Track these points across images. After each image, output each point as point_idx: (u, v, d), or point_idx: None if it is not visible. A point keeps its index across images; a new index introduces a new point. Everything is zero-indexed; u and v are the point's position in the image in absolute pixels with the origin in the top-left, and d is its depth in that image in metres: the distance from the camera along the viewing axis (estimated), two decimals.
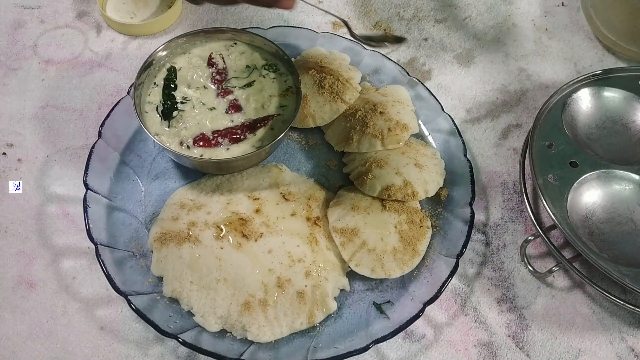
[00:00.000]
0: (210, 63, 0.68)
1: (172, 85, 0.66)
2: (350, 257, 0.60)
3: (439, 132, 0.72)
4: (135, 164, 0.68)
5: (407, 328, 0.58)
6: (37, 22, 0.82)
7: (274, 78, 0.68)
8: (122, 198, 0.65)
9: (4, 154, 0.70)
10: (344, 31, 0.83)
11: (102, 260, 0.58)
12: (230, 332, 0.58)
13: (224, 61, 0.68)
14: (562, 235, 0.64)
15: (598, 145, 0.70)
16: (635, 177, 0.67)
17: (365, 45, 0.73)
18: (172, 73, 0.67)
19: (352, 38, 0.71)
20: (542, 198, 0.63)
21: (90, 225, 0.60)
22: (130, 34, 0.81)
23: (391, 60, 0.76)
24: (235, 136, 0.63)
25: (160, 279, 0.60)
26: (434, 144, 0.72)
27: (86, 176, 0.63)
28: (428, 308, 0.58)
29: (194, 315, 0.58)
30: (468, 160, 0.68)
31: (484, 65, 0.82)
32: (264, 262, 0.59)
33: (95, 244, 0.59)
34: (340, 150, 0.69)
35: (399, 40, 0.76)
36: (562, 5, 0.89)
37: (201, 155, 0.62)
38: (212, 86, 0.67)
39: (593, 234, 0.64)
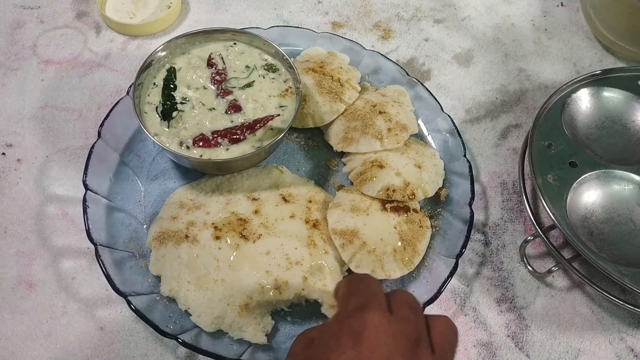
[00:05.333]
0: (210, 63, 0.68)
1: (172, 86, 0.66)
2: (350, 258, 0.60)
3: (439, 132, 0.72)
4: (135, 164, 0.68)
5: None
6: (36, 22, 0.82)
7: (273, 78, 0.68)
8: (122, 198, 0.65)
9: (4, 154, 0.70)
10: (343, 31, 0.83)
11: (101, 260, 0.58)
12: (228, 333, 0.58)
13: (223, 61, 0.68)
14: (561, 235, 0.64)
15: (597, 145, 0.70)
16: (635, 177, 0.67)
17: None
18: (171, 73, 0.67)
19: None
20: (541, 198, 0.63)
21: (90, 226, 0.60)
22: (130, 34, 0.81)
23: (390, 60, 0.76)
24: (234, 136, 0.63)
25: (159, 278, 0.60)
26: (433, 144, 0.72)
27: (85, 176, 0.63)
28: (428, 308, 0.58)
29: (191, 315, 0.58)
30: (467, 160, 0.68)
31: (483, 65, 0.82)
32: (262, 264, 0.59)
33: (95, 245, 0.59)
34: (340, 151, 0.69)
35: None
36: (562, 5, 0.89)
37: (201, 156, 0.62)
38: (212, 86, 0.67)
39: (592, 234, 0.64)
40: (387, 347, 0.35)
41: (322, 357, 0.35)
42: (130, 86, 0.68)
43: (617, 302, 0.60)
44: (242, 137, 0.63)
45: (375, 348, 0.35)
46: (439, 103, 0.72)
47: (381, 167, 0.65)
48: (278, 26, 0.77)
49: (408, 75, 0.75)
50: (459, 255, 0.61)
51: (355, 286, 0.41)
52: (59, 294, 0.61)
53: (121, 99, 0.68)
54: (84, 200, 0.62)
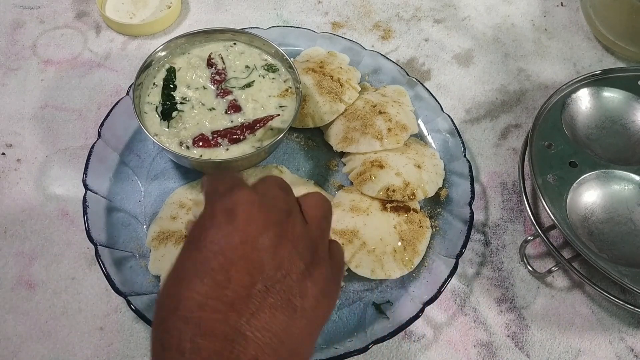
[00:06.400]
0: (210, 63, 0.68)
1: (172, 86, 0.66)
2: (350, 258, 0.60)
3: (439, 132, 0.72)
4: (135, 164, 0.68)
5: (407, 328, 0.58)
6: (36, 22, 0.82)
7: (273, 78, 0.68)
8: (122, 198, 0.65)
9: (3, 154, 0.70)
10: (343, 31, 0.83)
11: (101, 260, 0.58)
12: None
13: (223, 61, 0.68)
14: (561, 235, 0.64)
15: (597, 146, 0.70)
16: (635, 177, 0.67)
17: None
18: (171, 73, 0.67)
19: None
20: (541, 198, 0.63)
21: (90, 226, 0.60)
22: (130, 34, 0.81)
23: (390, 60, 0.76)
24: (234, 136, 0.63)
25: (159, 278, 0.60)
26: (433, 144, 0.72)
27: (85, 176, 0.63)
28: (427, 308, 0.58)
29: None
30: (467, 160, 0.68)
31: (483, 65, 0.82)
32: None
33: (95, 245, 0.59)
34: (340, 151, 0.69)
35: None
36: (562, 5, 0.89)
37: (200, 156, 0.62)
38: (212, 86, 0.67)
39: (592, 234, 0.64)
40: (261, 219, 0.36)
41: (200, 237, 0.36)
42: (130, 86, 0.68)
43: (617, 302, 0.60)
44: (242, 137, 0.63)
45: (249, 221, 0.36)
46: (439, 103, 0.72)
47: (381, 167, 0.65)
48: (278, 26, 0.77)
49: (408, 75, 0.75)
50: (459, 255, 0.61)
51: (219, 177, 0.41)
52: (59, 294, 0.61)
53: (121, 99, 0.68)
54: (84, 200, 0.62)
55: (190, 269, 0.35)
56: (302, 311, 0.36)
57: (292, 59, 0.68)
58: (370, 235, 0.61)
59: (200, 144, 0.62)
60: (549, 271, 0.63)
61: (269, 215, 0.37)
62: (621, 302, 0.60)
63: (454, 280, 0.64)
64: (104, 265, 0.58)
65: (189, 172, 0.68)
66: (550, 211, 0.62)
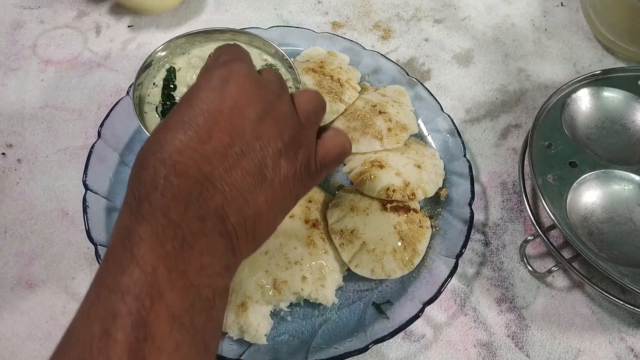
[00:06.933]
0: None
1: (172, 86, 0.66)
2: (350, 258, 0.60)
3: (439, 132, 0.72)
4: None
5: (407, 328, 0.58)
6: (36, 22, 0.82)
7: None
8: (122, 198, 0.64)
9: (4, 154, 0.70)
10: (343, 31, 0.83)
11: (101, 260, 0.58)
12: (227, 333, 0.58)
13: None
14: (561, 235, 0.64)
15: (597, 145, 0.70)
16: (635, 177, 0.67)
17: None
18: (171, 73, 0.67)
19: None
20: (541, 198, 0.63)
21: (90, 226, 0.60)
22: (140, 10, 0.81)
23: (390, 60, 0.76)
24: None
25: None
26: (433, 144, 0.72)
27: (85, 176, 0.63)
28: (427, 308, 0.58)
29: None
30: (467, 160, 0.68)
31: (483, 65, 0.82)
32: (261, 263, 0.59)
33: (95, 245, 0.59)
34: None
35: None
36: (562, 5, 0.89)
37: None
38: None
39: (592, 234, 0.64)
40: (252, 93, 0.39)
41: (192, 95, 0.39)
42: (130, 86, 0.68)
43: (617, 302, 0.60)
44: None
45: (241, 91, 0.39)
46: (439, 103, 0.72)
47: (381, 167, 0.65)
48: (278, 26, 0.77)
49: (408, 75, 0.75)
50: (459, 255, 0.61)
51: (224, 48, 0.45)
52: (59, 294, 0.61)
53: (121, 99, 0.69)
54: (84, 200, 0.62)
55: (178, 120, 0.38)
56: (271, 183, 0.39)
57: (292, 59, 0.68)
58: (370, 235, 0.61)
59: None
60: (549, 271, 0.63)
61: (260, 91, 0.40)
62: (621, 302, 0.60)
63: (454, 280, 0.64)
64: None
65: None
66: (550, 211, 0.62)
